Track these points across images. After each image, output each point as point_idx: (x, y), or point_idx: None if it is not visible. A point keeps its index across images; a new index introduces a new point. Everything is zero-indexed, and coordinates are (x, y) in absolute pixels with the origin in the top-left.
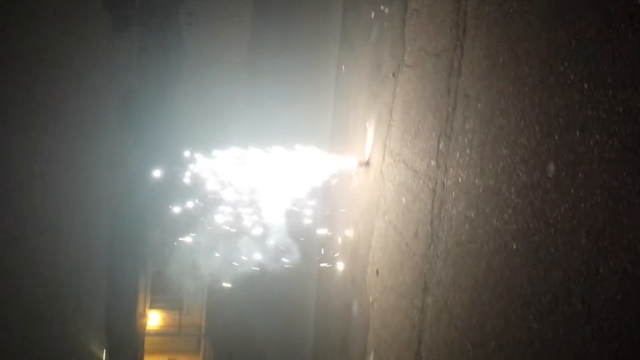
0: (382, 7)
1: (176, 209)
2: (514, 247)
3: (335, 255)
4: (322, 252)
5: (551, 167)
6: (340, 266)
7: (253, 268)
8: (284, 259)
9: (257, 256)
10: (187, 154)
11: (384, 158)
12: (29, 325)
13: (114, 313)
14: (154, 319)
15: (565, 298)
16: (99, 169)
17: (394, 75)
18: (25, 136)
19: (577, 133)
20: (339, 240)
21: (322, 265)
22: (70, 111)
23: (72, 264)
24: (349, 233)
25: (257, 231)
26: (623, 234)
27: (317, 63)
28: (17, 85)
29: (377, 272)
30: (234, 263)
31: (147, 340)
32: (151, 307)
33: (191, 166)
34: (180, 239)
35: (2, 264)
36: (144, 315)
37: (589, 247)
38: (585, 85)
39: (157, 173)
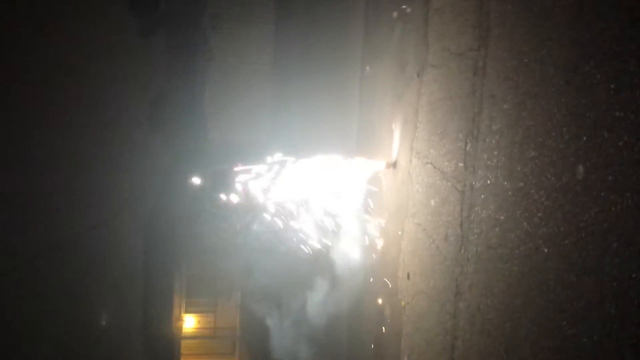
0: (404, 7)
1: (209, 211)
2: (546, 251)
3: (366, 259)
4: (352, 255)
5: (580, 170)
6: (371, 269)
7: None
8: (316, 261)
9: (291, 258)
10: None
11: (411, 160)
12: (69, 328)
13: (151, 317)
14: (189, 322)
15: (599, 303)
16: (134, 172)
17: (418, 75)
18: (60, 141)
19: (606, 134)
20: (369, 243)
21: (352, 268)
22: (102, 116)
23: (110, 268)
24: (378, 236)
25: (290, 234)
26: None
27: (342, 63)
28: (46, 91)
29: (408, 275)
30: (267, 264)
31: (183, 343)
32: (186, 311)
33: (224, 172)
34: (214, 240)
35: (43, 269)
36: (179, 319)
37: (621, 252)
38: (612, 86)
39: (190, 176)
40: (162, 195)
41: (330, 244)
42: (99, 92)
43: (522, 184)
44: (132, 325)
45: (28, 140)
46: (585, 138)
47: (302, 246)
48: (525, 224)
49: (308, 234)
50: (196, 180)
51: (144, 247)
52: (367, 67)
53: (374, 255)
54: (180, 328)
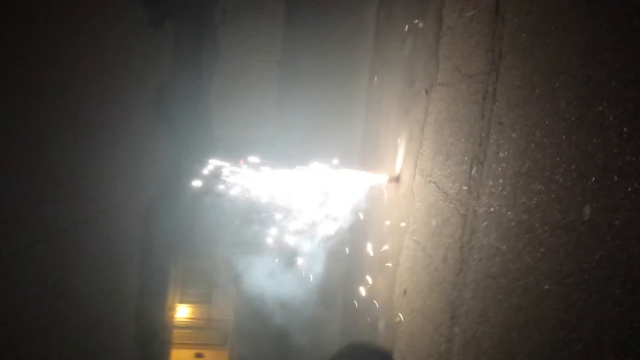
0: (416, 21)
1: (209, 205)
2: (546, 287)
3: (363, 270)
4: (350, 265)
5: (587, 210)
6: (367, 281)
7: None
8: (314, 269)
9: (289, 258)
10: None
11: (414, 176)
12: (64, 316)
13: (144, 305)
14: (182, 312)
15: (597, 349)
16: (137, 163)
17: (426, 92)
18: (65, 133)
19: (615, 178)
20: (368, 255)
21: (348, 274)
22: (108, 108)
23: (107, 257)
24: (377, 249)
25: (287, 240)
26: None
27: (350, 69)
28: (53, 83)
29: (405, 292)
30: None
31: (175, 332)
32: (181, 301)
33: (228, 167)
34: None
35: (40, 258)
36: (173, 308)
37: (624, 299)
38: (625, 129)
39: (192, 168)
40: (164, 185)
41: (328, 247)
42: (105, 78)
43: (526, 216)
44: (126, 314)
45: (30, 126)
46: (594, 179)
47: (300, 248)
48: (527, 257)
49: (306, 236)
50: (198, 173)
51: (142, 236)
52: (375, 77)
53: (371, 268)
54: (174, 317)
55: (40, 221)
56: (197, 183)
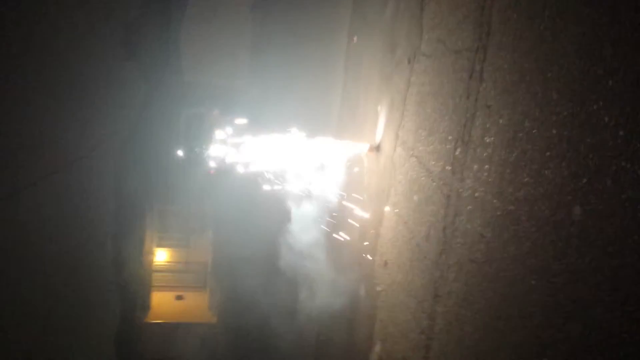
0: None
1: (181, 150)
2: (533, 282)
3: (343, 237)
4: (329, 229)
5: (577, 210)
6: (347, 248)
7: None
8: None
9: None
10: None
11: (395, 148)
12: (43, 263)
13: (122, 250)
14: (161, 256)
15: (585, 351)
16: (107, 107)
17: (409, 61)
18: (30, 75)
19: (608, 182)
20: (347, 222)
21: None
22: (75, 47)
23: (82, 204)
24: (357, 216)
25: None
26: None
27: (328, 23)
28: (17, 16)
29: (386, 263)
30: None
31: (155, 276)
32: (159, 245)
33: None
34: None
35: (19, 206)
36: (151, 252)
37: (613, 307)
38: (621, 133)
39: (162, 111)
40: (136, 130)
41: (305, 208)
42: (70, 15)
43: (513, 207)
44: (103, 260)
45: None
46: (585, 180)
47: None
48: (513, 248)
49: (283, 194)
50: (170, 119)
51: (115, 182)
52: (355, 38)
53: (351, 235)
54: (152, 261)
55: (10, 174)
56: (170, 130)
